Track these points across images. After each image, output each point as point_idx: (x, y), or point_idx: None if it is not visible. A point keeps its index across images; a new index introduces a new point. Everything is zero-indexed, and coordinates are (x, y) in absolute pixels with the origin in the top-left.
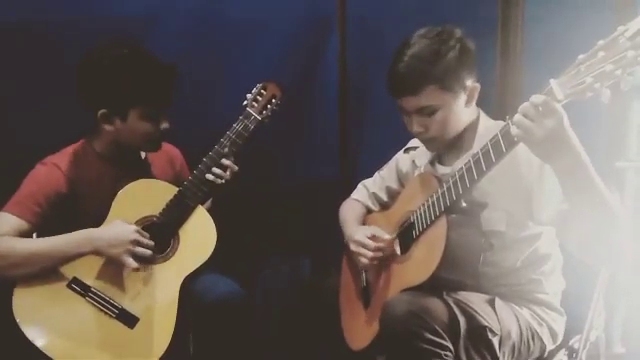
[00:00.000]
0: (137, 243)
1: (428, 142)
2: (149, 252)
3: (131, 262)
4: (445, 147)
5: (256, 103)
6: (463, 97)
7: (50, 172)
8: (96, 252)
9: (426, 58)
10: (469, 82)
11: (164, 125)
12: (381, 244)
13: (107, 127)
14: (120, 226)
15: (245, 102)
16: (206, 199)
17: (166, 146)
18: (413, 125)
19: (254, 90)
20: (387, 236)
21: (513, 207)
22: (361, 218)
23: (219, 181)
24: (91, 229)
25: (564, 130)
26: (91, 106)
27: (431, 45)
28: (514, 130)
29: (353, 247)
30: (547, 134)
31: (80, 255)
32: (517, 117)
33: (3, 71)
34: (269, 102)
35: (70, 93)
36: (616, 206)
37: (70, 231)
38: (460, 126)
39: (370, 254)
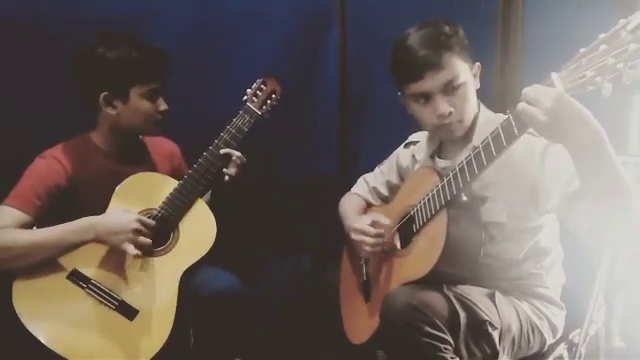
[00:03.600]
0: (138, 232)
1: (451, 127)
2: (150, 241)
3: (132, 249)
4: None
5: (256, 98)
6: (473, 73)
7: (50, 165)
8: (97, 239)
9: (438, 34)
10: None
11: (163, 106)
12: (381, 230)
13: (109, 111)
14: (122, 214)
15: (245, 97)
16: (205, 192)
17: (165, 142)
18: (439, 107)
19: (254, 85)
20: (387, 220)
21: (514, 198)
22: (361, 211)
23: (232, 171)
24: (92, 217)
25: (566, 107)
26: (92, 93)
27: (433, 29)
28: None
29: (354, 235)
30: (550, 115)
31: (82, 243)
32: (520, 105)
33: (2, 69)
34: (269, 97)
35: (69, 91)
36: (634, 188)
37: None
38: (475, 107)
39: (371, 240)
